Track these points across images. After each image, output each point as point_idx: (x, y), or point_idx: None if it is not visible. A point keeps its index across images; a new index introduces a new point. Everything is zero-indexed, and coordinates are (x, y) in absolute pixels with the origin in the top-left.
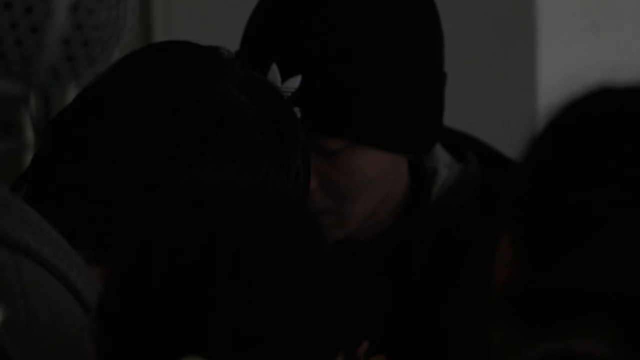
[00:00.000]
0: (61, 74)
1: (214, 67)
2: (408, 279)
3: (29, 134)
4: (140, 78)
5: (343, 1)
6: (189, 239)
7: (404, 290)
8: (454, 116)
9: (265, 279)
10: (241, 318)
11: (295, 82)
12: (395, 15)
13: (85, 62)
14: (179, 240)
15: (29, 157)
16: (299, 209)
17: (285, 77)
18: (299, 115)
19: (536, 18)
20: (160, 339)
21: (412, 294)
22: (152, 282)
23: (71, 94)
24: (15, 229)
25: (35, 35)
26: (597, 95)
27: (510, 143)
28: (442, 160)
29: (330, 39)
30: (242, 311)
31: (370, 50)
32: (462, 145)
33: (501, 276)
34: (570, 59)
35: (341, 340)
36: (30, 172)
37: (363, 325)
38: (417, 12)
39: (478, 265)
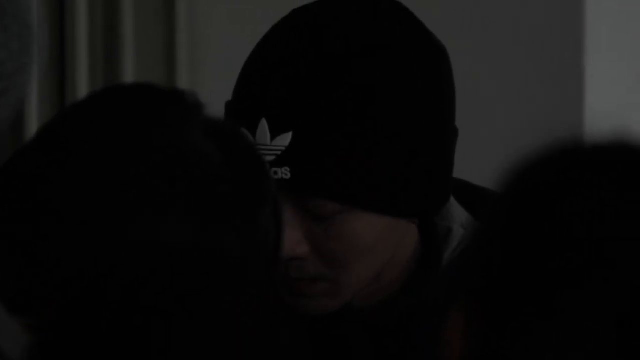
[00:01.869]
0: None
1: (176, 112)
2: (415, 349)
3: None
4: (89, 127)
5: (339, 54)
6: (116, 310)
7: None
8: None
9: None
10: None
11: (285, 139)
12: (397, 69)
13: None
14: (104, 312)
15: None
16: (244, 273)
17: (275, 133)
18: (288, 175)
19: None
20: None
21: None
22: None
23: None
24: None
25: None
26: (557, 160)
27: None
28: (458, 219)
29: (324, 94)
30: None
31: (366, 107)
32: (482, 201)
33: (451, 352)
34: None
35: None
36: None
37: None
38: (423, 62)
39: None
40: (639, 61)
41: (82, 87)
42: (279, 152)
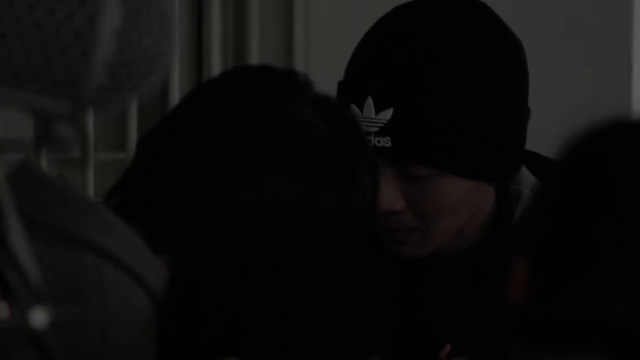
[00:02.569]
0: (106, 96)
1: (290, 89)
2: (487, 292)
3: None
4: (220, 99)
5: (434, 42)
6: (230, 252)
7: (483, 301)
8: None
9: (297, 289)
10: (273, 325)
11: (387, 114)
12: (483, 55)
13: (129, 84)
14: (220, 254)
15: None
16: (340, 227)
17: (378, 109)
18: (389, 144)
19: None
20: (202, 343)
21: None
22: (195, 293)
23: None
24: (103, 236)
25: (83, 57)
26: (616, 129)
27: None
28: (528, 183)
29: (420, 77)
30: (275, 318)
31: (457, 88)
32: (547, 168)
33: (515, 294)
34: None
35: (371, 347)
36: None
37: (445, 330)
38: (504, 51)
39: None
40: None
41: (216, 67)
42: (381, 125)
